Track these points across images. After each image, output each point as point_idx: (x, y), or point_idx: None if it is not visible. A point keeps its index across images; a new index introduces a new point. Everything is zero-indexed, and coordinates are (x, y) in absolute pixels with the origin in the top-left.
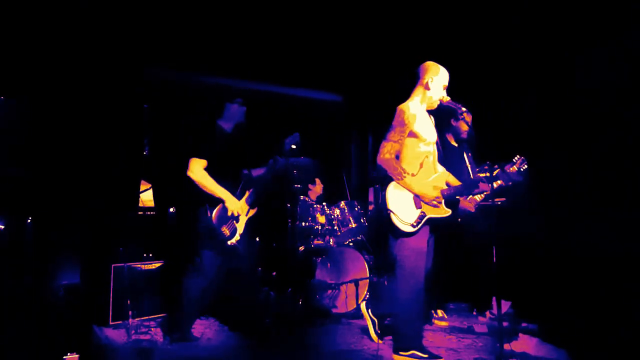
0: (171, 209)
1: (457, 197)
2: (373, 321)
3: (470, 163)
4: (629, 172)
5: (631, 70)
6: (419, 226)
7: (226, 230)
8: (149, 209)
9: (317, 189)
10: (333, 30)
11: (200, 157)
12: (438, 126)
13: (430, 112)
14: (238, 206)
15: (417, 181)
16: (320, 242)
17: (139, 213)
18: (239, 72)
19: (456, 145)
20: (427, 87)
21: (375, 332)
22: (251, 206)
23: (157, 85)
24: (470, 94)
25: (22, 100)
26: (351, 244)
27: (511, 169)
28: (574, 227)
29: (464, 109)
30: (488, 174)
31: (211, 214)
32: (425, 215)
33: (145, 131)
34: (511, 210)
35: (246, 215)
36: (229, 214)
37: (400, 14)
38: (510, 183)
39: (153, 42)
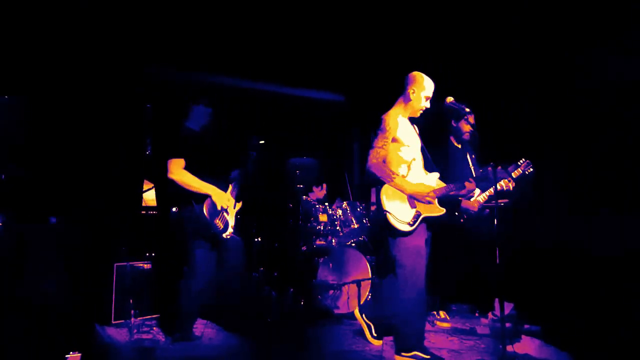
0: (174, 209)
1: (449, 198)
2: (368, 325)
3: (473, 164)
4: (630, 172)
5: (631, 70)
6: (416, 225)
7: (219, 223)
8: (152, 208)
9: (320, 193)
10: (336, 30)
11: (178, 157)
12: (440, 128)
13: (414, 120)
14: (225, 198)
15: (409, 182)
16: (322, 242)
17: (142, 212)
18: (244, 72)
19: (459, 146)
20: (408, 98)
21: (372, 336)
22: (236, 200)
23: (159, 85)
24: (472, 94)
25: (23, 100)
26: (353, 244)
27: (515, 171)
28: (575, 228)
29: (467, 109)
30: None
31: (201, 208)
32: (420, 215)
33: (147, 131)
34: (514, 211)
35: (234, 208)
36: (219, 207)
37: (402, 14)
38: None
39: (155, 42)
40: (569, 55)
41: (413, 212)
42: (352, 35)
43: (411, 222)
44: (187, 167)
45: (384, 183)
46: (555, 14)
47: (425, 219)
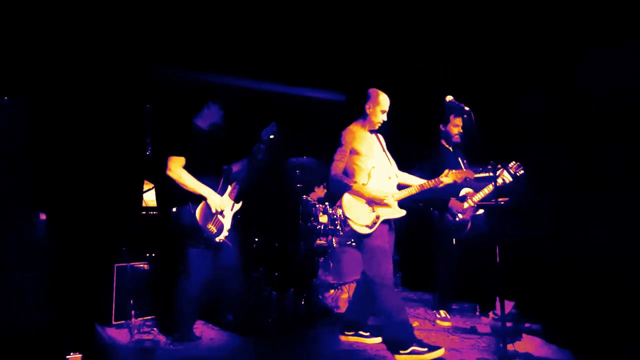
0: (174, 209)
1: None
2: (356, 334)
3: (465, 166)
4: (631, 172)
5: (635, 70)
6: (375, 227)
7: (212, 227)
8: (152, 209)
9: (319, 192)
10: (336, 29)
11: (178, 155)
12: (431, 131)
13: (376, 131)
14: (220, 202)
15: (366, 188)
16: (322, 241)
17: (142, 213)
18: (245, 72)
19: (450, 149)
20: (366, 114)
21: (364, 337)
22: (236, 200)
23: (159, 85)
24: (473, 92)
25: (24, 100)
26: (353, 243)
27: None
28: (577, 227)
29: (466, 108)
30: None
31: (195, 212)
32: (380, 217)
33: (147, 131)
34: (514, 210)
35: (231, 209)
36: (213, 210)
37: (404, 12)
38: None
39: (155, 41)
40: (571, 54)
41: (373, 215)
42: (353, 34)
43: (370, 225)
44: (189, 165)
45: (345, 191)
46: (559, 13)
47: (386, 221)
